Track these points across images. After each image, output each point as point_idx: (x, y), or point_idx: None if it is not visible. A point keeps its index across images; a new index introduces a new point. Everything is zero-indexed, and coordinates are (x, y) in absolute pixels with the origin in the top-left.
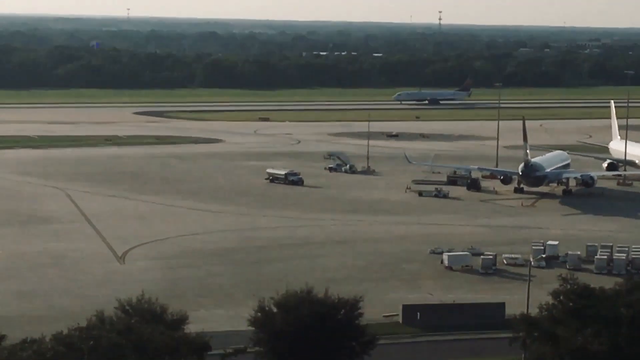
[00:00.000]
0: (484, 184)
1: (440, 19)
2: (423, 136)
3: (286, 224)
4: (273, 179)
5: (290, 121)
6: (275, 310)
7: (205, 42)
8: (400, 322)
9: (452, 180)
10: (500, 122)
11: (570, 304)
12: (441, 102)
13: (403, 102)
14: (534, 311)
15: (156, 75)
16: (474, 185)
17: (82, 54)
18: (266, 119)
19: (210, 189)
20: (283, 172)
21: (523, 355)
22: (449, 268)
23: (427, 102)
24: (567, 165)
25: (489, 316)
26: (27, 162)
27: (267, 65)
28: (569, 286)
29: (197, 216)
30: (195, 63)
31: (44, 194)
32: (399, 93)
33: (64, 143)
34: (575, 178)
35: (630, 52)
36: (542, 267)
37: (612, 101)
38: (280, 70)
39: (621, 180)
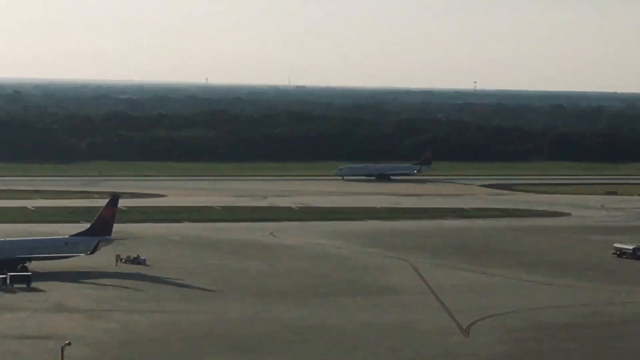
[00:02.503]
0: None
1: None
2: None
3: (636, 299)
4: (620, 253)
5: (639, 195)
6: None
7: (552, 115)
8: None
9: None
10: None
11: None
12: (392, 177)
13: (345, 178)
14: None
15: (502, 148)
16: None
17: (429, 127)
18: (613, 193)
19: (556, 262)
20: (631, 247)
21: None
22: None
23: (374, 177)
24: None
25: None
26: (373, 234)
27: (614, 138)
28: None
29: (542, 289)
30: (542, 136)
31: (389, 265)
32: (339, 167)
33: (409, 215)
34: None
35: None
36: None
37: None
38: (627, 144)
39: None
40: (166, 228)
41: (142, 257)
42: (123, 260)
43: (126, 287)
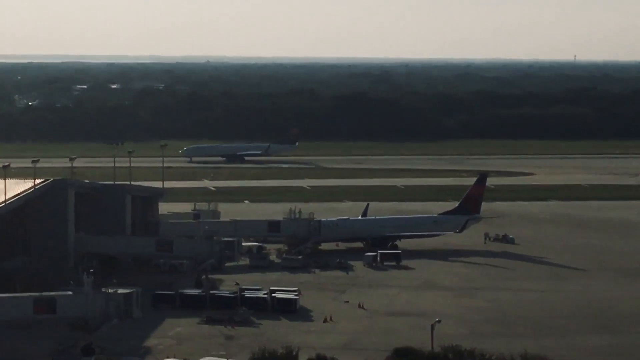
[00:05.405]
0: None
1: None
2: None
3: None
4: None
5: None
6: None
7: None
8: None
9: None
10: None
11: None
12: (246, 158)
13: (193, 160)
14: None
15: None
16: None
17: None
18: None
19: None
20: None
21: None
22: None
23: (224, 158)
24: None
25: None
26: None
27: None
28: None
29: None
30: None
31: None
32: (186, 147)
33: None
34: None
35: None
36: None
37: None
38: None
39: None
40: (534, 206)
41: (510, 236)
42: (491, 239)
43: (495, 266)
